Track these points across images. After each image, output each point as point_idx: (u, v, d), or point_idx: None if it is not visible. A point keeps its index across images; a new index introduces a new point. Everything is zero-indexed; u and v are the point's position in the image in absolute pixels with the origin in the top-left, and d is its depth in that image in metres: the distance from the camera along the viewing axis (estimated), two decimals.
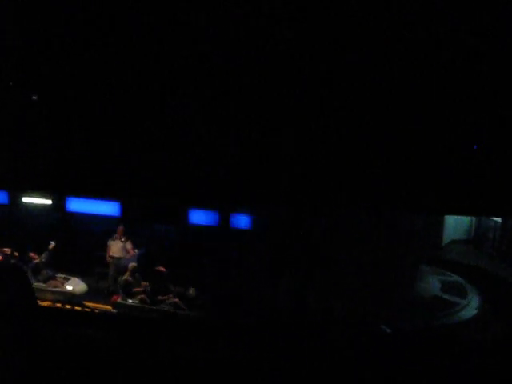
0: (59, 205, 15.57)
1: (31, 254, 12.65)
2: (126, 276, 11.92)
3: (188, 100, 13.85)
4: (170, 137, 14.08)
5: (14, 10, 14.44)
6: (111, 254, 13.45)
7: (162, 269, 11.73)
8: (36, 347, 7.73)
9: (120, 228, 13.52)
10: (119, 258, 13.39)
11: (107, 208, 15.26)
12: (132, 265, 11.99)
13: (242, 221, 14.24)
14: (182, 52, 14.34)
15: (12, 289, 8.47)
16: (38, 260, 12.57)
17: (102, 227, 15.29)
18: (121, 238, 13.47)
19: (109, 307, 12.08)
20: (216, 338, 10.16)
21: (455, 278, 14.15)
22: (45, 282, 12.51)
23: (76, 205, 15.49)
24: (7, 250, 12.81)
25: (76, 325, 10.64)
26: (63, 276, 12.84)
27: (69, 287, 12.38)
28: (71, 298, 12.27)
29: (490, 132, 12.16)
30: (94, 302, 12.47)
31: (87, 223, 15.56)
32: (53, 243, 12.61)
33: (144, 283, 11.89)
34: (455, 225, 16.98)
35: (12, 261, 12.76)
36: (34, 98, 14.83)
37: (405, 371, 8.45)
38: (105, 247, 13.69)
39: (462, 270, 14.56)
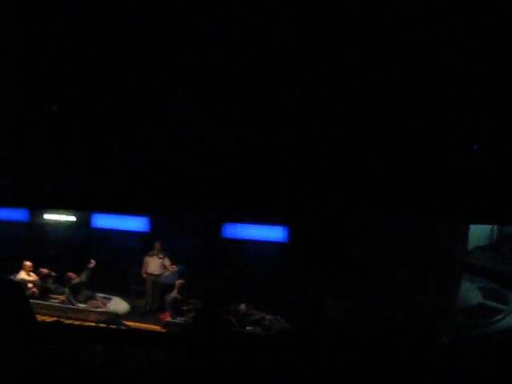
0: (84, 221, 15.18)
1: (69, 274, 12.24)
2: (174, 293, 11.64)
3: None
4: (203, 148, 13.87)
5: (14, 10, 14.10)
6: (149, 271, 13.13)
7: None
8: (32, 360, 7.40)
9: (157, 244, 13.21)
10: (157, 275, 13.07)
11: (135, 223, 14.94)
12: (180, 282, 11.71)
13: (277, 233, 14.08)
14: (182, 52, 14.20)
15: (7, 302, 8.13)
16: (77, 280, 12.17)
17: (131, 243, 14.99)
18: (158, 255, 13.15)
19: (156, 327, 11.77)
20: (277, 354, 10.02)
21: (492, 284, 14.23)
22: (85, 302, 12.13)
23: (103, 221, 15.11)
24: (44, 271, 12.39)
25: (128, 344, 10.39)
26: (102, 295, 12.47)
27: (111, 307, 12.02)
28: (114, 318, 11.91)
29: None
30: (133, 320, 12.14)
31: (114, 239, 15.19)
32: (93, 262, 12.23)
33: (193, 300, 11.62)
34: (479, 231, 17.11)
35: (50, 281, 12.37)
36: (53, 108, 14.45)
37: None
38: (140, 264, 13.36)
39: (496, 276, 14.66)
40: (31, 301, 11.78)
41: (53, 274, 12.44)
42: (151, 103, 14.02)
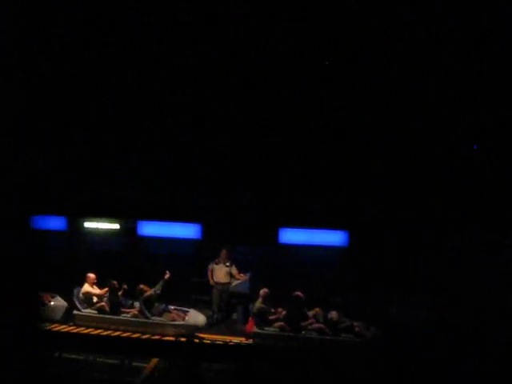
0: (129, 229, 14.55)
1: (142, 286, 11.68)
2: (259, 303, 11.31)
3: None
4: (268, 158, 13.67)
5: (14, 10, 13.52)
6: (216, 279, 12.71)
7: (299, 294, 11.20)
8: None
9: (223, 252, 12.79)
10: (224, 284, 12.69)
11: (186, 230, 14.47)
12: (264, 291, 11.38)
13: (336, 237, 13.97)
14: (183, 52, 13.99)
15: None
16: (150, 292, 11.63)
17: (181, 251, 14.52)
18: (225, 263, 12.76)
19: (236, 338, 11.43)
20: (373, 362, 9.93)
21: None
22: (160, 315, 11.60)
23: (149, 228, 14.54)
24: (115, 283, 11.77)
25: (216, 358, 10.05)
26: (175, 308, 11.97)
27: (190, 320, 11.55)
28: (193, 331, 11.47)
29: None
30: (205, 332, 11.70)
31: (159, 247, 14.67)
32: (168, 273, 11.71)
33: (279, 309, 11.34)
34: None
35: (120, 294, 11.77)
36: None
37: None
38: (206, 272, 12.94)
39: None
40: (102, 316, 11.24)
41: (124, 286, 11.82)
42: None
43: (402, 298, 12.38)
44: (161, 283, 11.67)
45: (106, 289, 11.79)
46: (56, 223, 14.76)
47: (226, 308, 12.75)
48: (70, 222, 14.71)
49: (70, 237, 14.74)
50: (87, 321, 11.62)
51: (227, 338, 11.38)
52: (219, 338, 11.34)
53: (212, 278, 12.70)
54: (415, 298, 12.37)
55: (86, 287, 11.90)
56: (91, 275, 12.04)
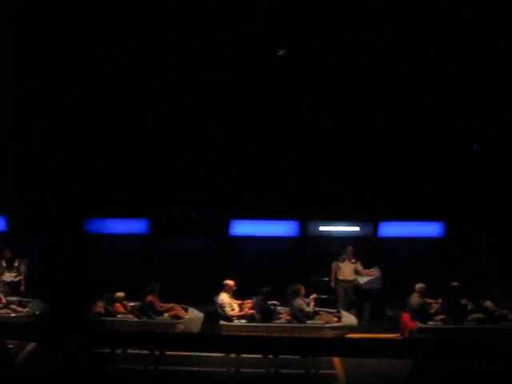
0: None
1: (298, 286, 11.09)
2: (416, 298, 11.18)
3: None
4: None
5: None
6: (341, 277, 12.39)
7: (456, 284, 11.25)
8: None
9: (349, 248, 12.48)
10: (350, 281, 12.40)
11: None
12: (419, 285, 11.25)
13: (432, 228, 14.17)
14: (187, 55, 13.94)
15: None
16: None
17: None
18: (350, 259, 12.46)
19: (388, 335, 11.25)
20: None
21: None
22: (312, 318, 11.06)
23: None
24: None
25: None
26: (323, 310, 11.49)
27: (346, 321, 11.13)
28: (349, 331, 11.08)
29: None
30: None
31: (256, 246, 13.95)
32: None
33: (431, 301, 11.30)
34: None
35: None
36: None
37: None
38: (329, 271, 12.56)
39: None
40: (253, 325, 10.52)
41: (268, 289, 11.06)
42: None
43: None
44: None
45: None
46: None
47: (352, 305, 12.45)
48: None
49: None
50: (236, 331, 10.73)
51: (385, 336, 11.16)
52: (378, 336, 11.08)
53: (337, 276, 12.35)
54: None
55: (223, 296, 10.97)
56: (230, 282, 11.12)
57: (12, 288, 12.12)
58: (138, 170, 13.30)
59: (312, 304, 11.11)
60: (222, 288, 11.07)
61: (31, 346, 10.52)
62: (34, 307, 11.23)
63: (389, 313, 12.45)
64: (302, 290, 11.03)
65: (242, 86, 13.85)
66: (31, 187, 12.98)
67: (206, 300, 11.56)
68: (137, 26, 13.73)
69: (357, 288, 12.44)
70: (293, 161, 13.62)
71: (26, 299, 11.53)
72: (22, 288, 12.21)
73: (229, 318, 10.77)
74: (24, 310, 11.17)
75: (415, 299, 11.13)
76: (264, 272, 13.01)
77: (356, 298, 12.53)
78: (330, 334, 10.81)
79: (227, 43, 13.78)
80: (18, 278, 12.25)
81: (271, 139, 13.78)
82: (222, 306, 10.85)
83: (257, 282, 11.17)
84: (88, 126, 13.27)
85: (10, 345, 10.05)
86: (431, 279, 11.98)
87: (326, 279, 12.60)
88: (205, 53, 13.85)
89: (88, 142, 13.19)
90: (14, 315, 11.04)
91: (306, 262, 13.57)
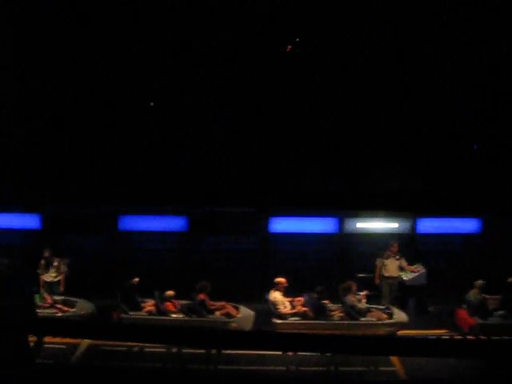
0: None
1: (349, 282, 11.06)
2: (475, 293, 11.13)
3: None
4: None
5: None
6: (386, 274, 12.32)
7: None
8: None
9: (394, 245, 12.41)
10: (395, 278, 12.34)
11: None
12: (479, 282, 11.19)
13: (470, 224, 14.14)
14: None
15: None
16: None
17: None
18: (395, 256, 12.40)
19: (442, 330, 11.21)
20: None
21: None
22: (364, 315, 10.98)
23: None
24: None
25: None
26: (374, 306, 11.41)
27: (398, 318, 11.07)
28: (401, 328, 11.02)
29: None
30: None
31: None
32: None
33: (488, 296, 11.27)
34: None
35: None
36: None
37: None
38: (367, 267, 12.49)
39: None
40: (308, 322, 10.42)
41: (322, 288, 10.98)
42: None
43: None
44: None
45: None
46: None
47: (396, 301, 12.38)
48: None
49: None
50: (290, 328, 10.62)
51: (438, 332, 11.11)
52: (433, 333, 11.02)
53: (382, 272, 12.29)
54: None
55: (275, 294, 10.86)
56: (282, 280, 11.01)
57: (52, 287, 11.86)
58: (177, 166, 13.10)
59: (364, 301, 11.04)
60: (274, 286, 10.94)
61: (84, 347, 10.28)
62: (81, 307, 11.00)
63: (430, 309, 12.33)
64: (354, 287, 10.95)
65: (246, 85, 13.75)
66: (70, 185, 12.69)
67: (251, 298, 11.42)
68: (137, 26, 13.58)
69: (401, 284, 12.33)
70: (332, 159, 13.51)
71: (72, 299, 11.27)
72: (62, 288, 11.96)
73: (282, 316, 10.64)
74: (71, 310, 10.93)
75: (475, 295, 11.09)
76: (302, 269, 12.89)
77: (400, 294, 12.41)
78: (382, 331, 10.74)
79: (227, 43, 13.69)
80: (58, 278, 11.98)
81: (309, 136, 13.64)
82: (274, 304, 10.73)
83: (297, 279, 11.09)
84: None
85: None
86: (470, 275, 11.96)
87: (369, 275, 12.47)
88: (205, 53, 13.76)
89: (130, 140, 12.98)
90: (60, 314, 10.81)
91: (345, 259, 13.45)
